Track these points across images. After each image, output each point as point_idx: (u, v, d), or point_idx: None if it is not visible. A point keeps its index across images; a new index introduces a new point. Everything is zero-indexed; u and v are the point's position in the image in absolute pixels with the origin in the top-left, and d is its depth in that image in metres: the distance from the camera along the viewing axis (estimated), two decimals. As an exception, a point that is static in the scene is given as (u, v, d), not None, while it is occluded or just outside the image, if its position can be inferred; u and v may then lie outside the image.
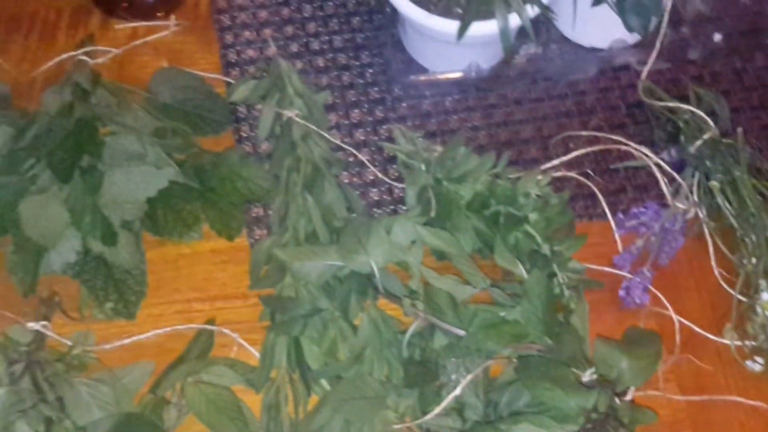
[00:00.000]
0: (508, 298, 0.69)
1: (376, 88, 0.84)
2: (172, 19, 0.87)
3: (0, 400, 0.64)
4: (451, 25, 0.73)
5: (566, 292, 0.70)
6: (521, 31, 0.74)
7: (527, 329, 0.67)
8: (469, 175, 0.73)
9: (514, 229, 0.72)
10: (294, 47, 0.87)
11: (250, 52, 0.86)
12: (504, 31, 0.70)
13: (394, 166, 0.80)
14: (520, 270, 0.70)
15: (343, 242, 0.70)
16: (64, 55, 0.82)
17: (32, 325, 0.69)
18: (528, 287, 0.67)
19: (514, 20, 0.72)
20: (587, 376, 0.63)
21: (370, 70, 0.85)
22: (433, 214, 0.71)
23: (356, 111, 0.83)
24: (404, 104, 0.83)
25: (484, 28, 0.72)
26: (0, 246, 0.74)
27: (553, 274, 0.70)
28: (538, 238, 0.72)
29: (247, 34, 0.87)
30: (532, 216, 0.72)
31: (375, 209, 0.79)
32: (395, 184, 0.79)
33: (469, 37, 0.72)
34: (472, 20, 0.70)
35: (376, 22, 0.87)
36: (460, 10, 0.74)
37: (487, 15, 0.71)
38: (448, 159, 0.74)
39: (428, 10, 0.74)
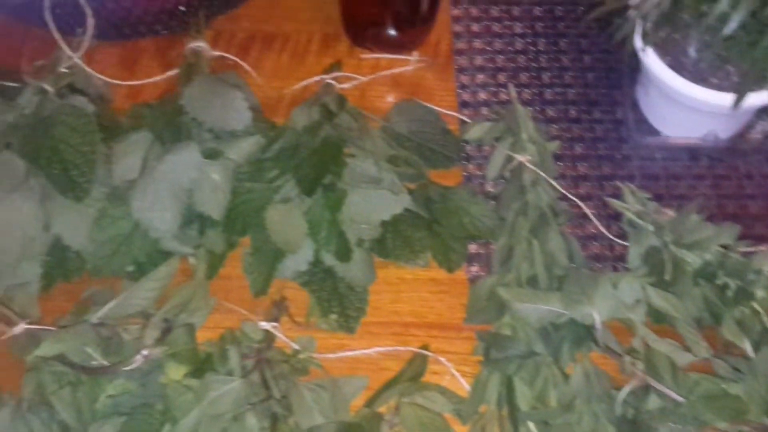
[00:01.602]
0: (731, 370, 0.69)
1: (605, 144, 0.85)
2: (415, 55, 0.90)
3: (235, 390, 0.68)
4: (715, 96, 0.73)
5: (789, 377, 0.69)
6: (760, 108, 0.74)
7: (749, 406, 0.66)
8: (700, 244, 0.73)
9: (740, 303, 0.71)
10: (527, 94, 0.89)
11: (483, 95, 0.89)
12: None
13: (618, 223, 0.80)
14: (746, 346, 0.69)
15: (566, 291, 0.71)
16: (316, 77, 0.87)
17: (264, 325, 0.73)
18: (756, 364, 0.66)
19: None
20: (807, 464, 0.62)
21: (601, 126, 0.86)
22: (667, 277, 0.71)
23: (583, 164, 0.85)
24: (633, 163, 0.84)
25: (756, 100, 0.72)
26: (239, 246, 0.79)
27: (778, 356, 0.69)
28: (765, 317, 0.71)
29: (482, 76, 0.90)
30: (760, 293, 0.71)
31: (594, 263, 0.79)
32: (617, 240, 0.80)
33: (727, 107, 0.72)
34: (748, 91, 0.70)
35: (611, 80, 0.89)
36: (716, 80, 0.74)
37: (756, 86, 0.71)
38: (680, 224, 0.75)
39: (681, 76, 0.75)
